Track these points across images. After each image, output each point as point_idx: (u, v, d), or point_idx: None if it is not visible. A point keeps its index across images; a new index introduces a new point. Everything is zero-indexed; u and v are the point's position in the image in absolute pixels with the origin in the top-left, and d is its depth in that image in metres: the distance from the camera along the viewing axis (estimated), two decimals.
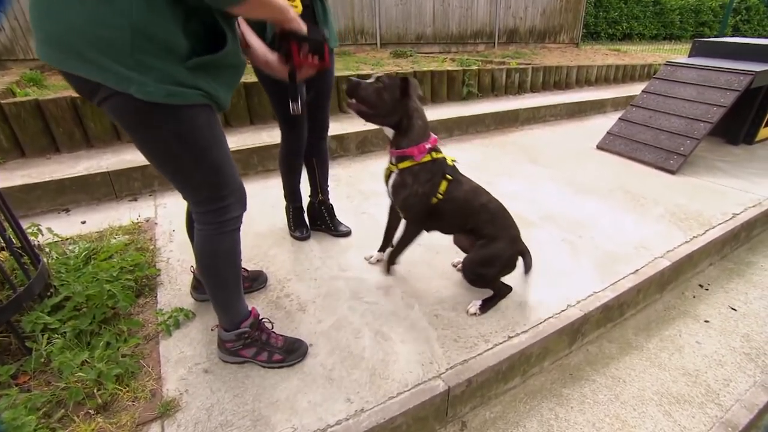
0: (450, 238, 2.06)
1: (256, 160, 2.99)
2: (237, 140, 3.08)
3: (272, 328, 1.45)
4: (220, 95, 1.03)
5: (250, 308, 1.38)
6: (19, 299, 1.34)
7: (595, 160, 3.43)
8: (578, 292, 1.78)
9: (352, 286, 1.79)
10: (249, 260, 1.60)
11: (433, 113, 4.00)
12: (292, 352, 1.40)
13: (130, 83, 0.88)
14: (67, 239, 2.03)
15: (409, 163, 1.52)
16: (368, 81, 1.48)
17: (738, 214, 2.48)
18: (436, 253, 2.04)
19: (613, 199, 2.67)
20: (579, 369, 1.66)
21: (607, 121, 3.95)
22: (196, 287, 1.63)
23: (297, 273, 1.87)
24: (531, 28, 8.79)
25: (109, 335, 1.42)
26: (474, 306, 1.64)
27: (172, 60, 0.91)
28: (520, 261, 1.67)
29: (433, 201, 1.55)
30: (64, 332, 1.39)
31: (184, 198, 1.18)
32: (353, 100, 1.49)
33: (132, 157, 2.69)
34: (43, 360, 1.33)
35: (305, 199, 2.20)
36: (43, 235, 1.82)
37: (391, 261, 1.83)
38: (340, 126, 3.39)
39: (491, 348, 1.48)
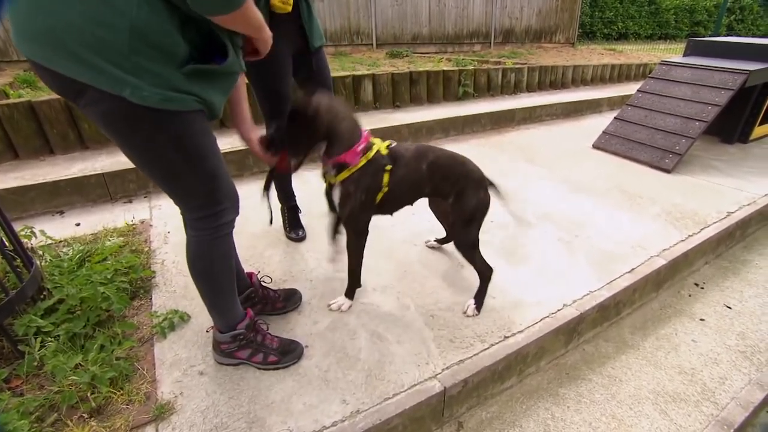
0: (442, 234, 2.07)
1: (251, 162, 2.98)
2: (232, 141, 3.06)
3: (267, 329, 1.44)
4: (214, 102, 1.02)
5: (245, 310, 1.38)
6: (11, 302, 1.33)
7: (591, 159, 3.44)
8: (574, 291, 1.78)
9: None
10: (244, 262, 1.59)
11: (430, 113, 4.00)
12: (287, 353, 1.39)
13: (125, 86, 0.85)
14: (61, 241, 2.02)
15: (348, 172, 1.40)
16: (275, 129, 1.36)
17: (733, 213, 2.49)
18: (432, 253, 2.04)
19: (609, 198, 2.68)
20: (575, 368, 1.66)
21: (603, 121, 3.96)
22: None
23: (293, 274, 1.87)
24: (527, 28, 8.81)
25: (103, 338, 1.41)
26: (470, 308, 1.64)
27: (169, 65, 0.89)
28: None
29: (379, 196, 1.46)
30: (58, 335, 1.38)
31: (176, 204, 1.14)
32: (275, 158, 1.37)
33: (127, 159, 2.67)
34: (36, 363, 1.31)
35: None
36: (36, 237, 1.81)
37: (351, 286, 1.67)
38: None
39: (487, 348, 1.48)
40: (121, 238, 2.06)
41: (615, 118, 3.74)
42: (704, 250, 2.28)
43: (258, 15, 0.99)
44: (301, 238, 2.13)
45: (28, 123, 2.69)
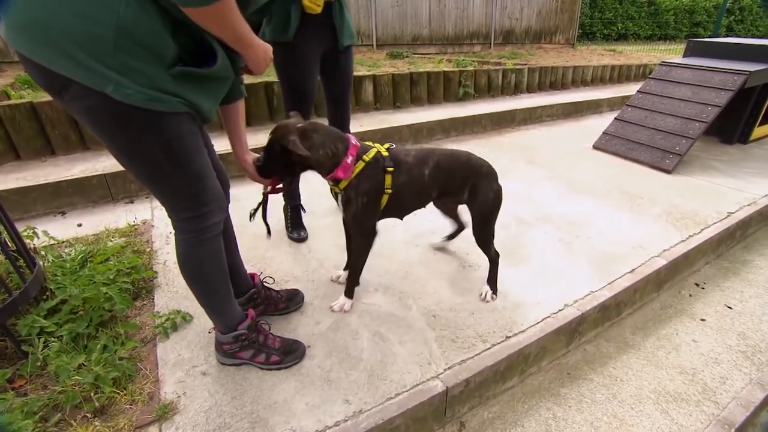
0: (443, 235, 2.08)
1: None
2: None
3: (269, 329, 1.45)
4: (203, 106, 1.01)
5: (246, 310, 1.38)
6: (14, 302, 1.33)
7: (591, 160, 3.45)
8: (575, 291, 1.78)
9: None
10: (246, 262, 1.60)
11: (430, 114, 4.01)
12: (289, 353, 1.39)
13: (107, 82, 0.84)
14: (63, 242, 2.02)
15: (346, 181, 1.41)
16: (257, 157, 1.41)
17: (733, 213, 2.50)
18: (434, 254, 2.04)
19: (610, 199, 2.68)
20: (577, 368, 1.66)
21: (603, 121, 3.97)
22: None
23: (295, 275, 1.87)
24: (527, 29, 8.82)
25: (106, 338, 1.42)
26: (487, 294, 1.72)
27: (156, 65, 0.88)
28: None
29: (383, 199, 1.48)
30: (61, 335, 1.38)
31: (163, 205, 1.13)
32: (267, 184, 1.42)
33: None
34: (39, 364, 1.32)
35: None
36: (38, 238, 1.82)
37: (351, 285, 1.67)
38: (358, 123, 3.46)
39: (489, 348, 1.48)
40: (123, 239, 2.06)
41: (615, 118, 3.75)
42: (705, 251, 2.28)
43: (242, 26, 0.96)
44: (302, 239, 2.14)
45: (30, 124, 2.69)
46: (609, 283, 1.84)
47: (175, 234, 1.18)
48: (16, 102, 2.67)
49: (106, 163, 2.66)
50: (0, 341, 1.38)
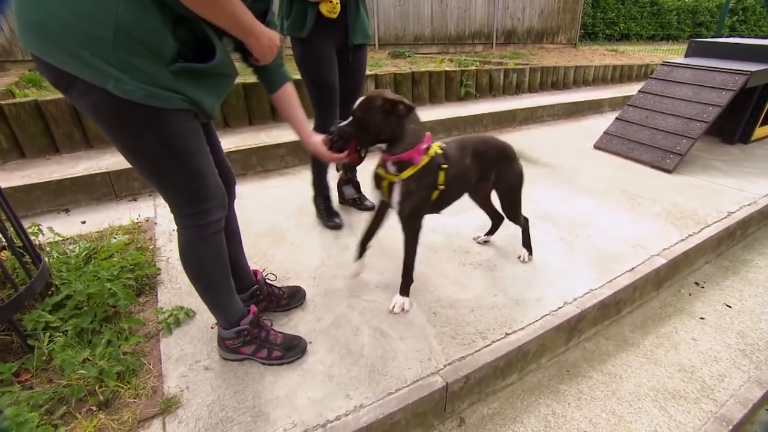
0: (443, 233, 2.09)
1: (254, 161, 3.01)
2: (236, 141, 3.09)
3: (271, 325, 1.46)
4: (204, 102, 1.02)
5: (248, 306, 1.40)
6: (20, 298, 1.35)
7: (592, 159, 3.45)
8: (575, 289, 1.79)
9: (351, 285, 1.80)
10: (249, 259, 1.61)
11: (432, 113, 4.02)
12: (291, 348, 1.41)
13: (108, 78, 0.86)
14: (68, 239, 2.04)
15: (411, 170, 1.44)
16: (342, 124, 1.40)
17: (733, 213, 2.50)
18: (434, 251, 2.06)
19: (610, 199, 2.69)
20: (576, 365, 1.67)
21: (604, 121, 3.97)
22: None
23: (296, 272, 1.89)
24: (529, 29, 8.83)
25: (110, 333, 1.43)
26: (525, 255, 1.95)
27: (156, 61, 0.90)
28: None
29: (435, 194, 1.52)
30: (66, 330, 1.40)
31: (165, 200, 1.15)
32: (344, 153, 1.42)
33: None
34: (44, 358, 1.34)
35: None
36: (43, 234, 1.83)
37: (406, 283, 1.66)
38: None
39: (489, 345, 1.49)
40: (127, 236, 2.08)
41: (616, 118, 3.76)
42: (704, 250, 2.29)
43: (243, 14, 0.98)
44: (339, 225, 2.20)
45: (35, 122, 2.71)
46: (609, 282, 1.85)
47: (177, 229, 1.20)
48: (21, 100, 2.70)
49: (110, 161, 2.68)
50: (6, 336, 1.40)
